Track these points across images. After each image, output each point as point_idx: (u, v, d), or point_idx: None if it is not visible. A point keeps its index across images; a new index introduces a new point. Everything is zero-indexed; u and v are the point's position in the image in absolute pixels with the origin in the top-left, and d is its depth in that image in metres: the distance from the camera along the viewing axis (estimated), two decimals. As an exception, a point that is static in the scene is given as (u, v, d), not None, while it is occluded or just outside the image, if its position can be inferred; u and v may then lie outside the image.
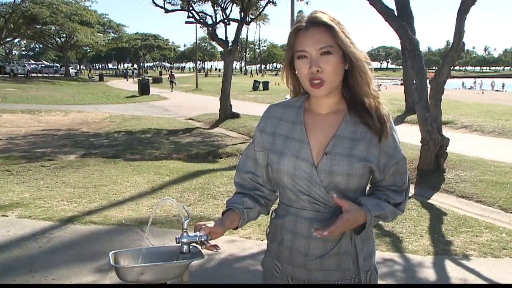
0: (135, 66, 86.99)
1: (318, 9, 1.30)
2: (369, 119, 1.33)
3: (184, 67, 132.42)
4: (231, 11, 16.08)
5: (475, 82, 49.58)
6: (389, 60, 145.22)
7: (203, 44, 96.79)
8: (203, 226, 1.32)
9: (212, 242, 1.33)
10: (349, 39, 1.28)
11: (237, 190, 1.50)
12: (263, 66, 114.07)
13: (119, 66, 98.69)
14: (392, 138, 1.35)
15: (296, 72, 1.35)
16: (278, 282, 1.45)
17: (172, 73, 36.03)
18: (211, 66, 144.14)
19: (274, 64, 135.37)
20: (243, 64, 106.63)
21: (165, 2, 15.62)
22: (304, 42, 1.28)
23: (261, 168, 1.46)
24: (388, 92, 27.98)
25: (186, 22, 18.23)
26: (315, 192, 1.33)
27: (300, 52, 1.29)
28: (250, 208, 1.44)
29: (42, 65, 59.53)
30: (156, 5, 15.29)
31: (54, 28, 45.08)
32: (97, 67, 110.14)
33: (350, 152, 1.32)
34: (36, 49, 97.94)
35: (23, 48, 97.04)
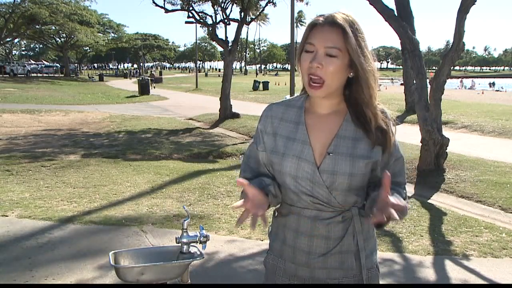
0: (135, 66, 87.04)
1: (342, 10, 1.29)
2: (366, 125, 1.33)
3: (186, 67, 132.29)
4: (231, 11, 16.11)
5: (461, 81, 49.57)
6: (389, 60, 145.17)
7: (203, 44, 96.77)
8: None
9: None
10: (360, 48, 1.26)
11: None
12: (263, 66, 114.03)
13: (119, 66, 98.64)
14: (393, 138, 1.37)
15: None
16: (280, 281, 1.44)
17: (153, 73, 37.04)
18: (210, 66, 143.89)
19: (274, 64, 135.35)
20: (243, 64, 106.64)
21: (165, 2, 15.63)
22: (315, 36, 1.27)
23: (265, 167, 1.43)
24: (388, 92, 27.98)
25: (186, 22, 18.24)
26: (317, 193, 1.33)
27: (308, 44, 1.28)
28: (269, 184, 1.36)
29: (43, 65, 59.48)
30: (156, 5, 15.30)
31: (54, 28, 45.12)
32: (96, 66, 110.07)
33: (352, 151, 1.32)
34: (36, 49, 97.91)
35: (23, 48, 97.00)
